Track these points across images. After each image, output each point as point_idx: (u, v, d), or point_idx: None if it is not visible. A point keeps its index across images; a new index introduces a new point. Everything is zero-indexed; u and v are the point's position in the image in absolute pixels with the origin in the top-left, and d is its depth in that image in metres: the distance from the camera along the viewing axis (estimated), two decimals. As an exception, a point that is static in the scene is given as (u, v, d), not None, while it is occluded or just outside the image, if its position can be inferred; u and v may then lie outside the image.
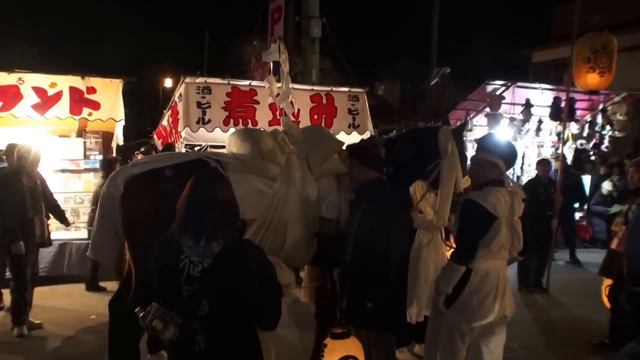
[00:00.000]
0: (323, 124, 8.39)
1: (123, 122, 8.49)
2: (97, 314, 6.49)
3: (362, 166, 3.83)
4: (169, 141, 8.72)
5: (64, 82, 8.11)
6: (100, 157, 8.76)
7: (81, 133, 8.80)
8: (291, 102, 8.13)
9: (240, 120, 8.00)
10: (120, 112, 8.39)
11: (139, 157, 7.72)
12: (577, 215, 10.52)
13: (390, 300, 3.65)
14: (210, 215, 2.60)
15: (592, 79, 8.43)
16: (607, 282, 5.90)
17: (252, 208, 4.00)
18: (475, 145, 4.05)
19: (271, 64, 5.32)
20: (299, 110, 8.27)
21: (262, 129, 5.94)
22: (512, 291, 7.83)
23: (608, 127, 12.03)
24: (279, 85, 5.13)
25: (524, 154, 12.41)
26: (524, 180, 11.18)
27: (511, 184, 3.72)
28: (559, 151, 9.18)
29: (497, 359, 3.73)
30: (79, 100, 8.11)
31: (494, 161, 3.60)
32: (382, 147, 4.06)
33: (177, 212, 2.65)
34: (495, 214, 3.46)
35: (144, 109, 22.26)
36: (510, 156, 3.73)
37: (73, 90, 8.11)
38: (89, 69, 8.77)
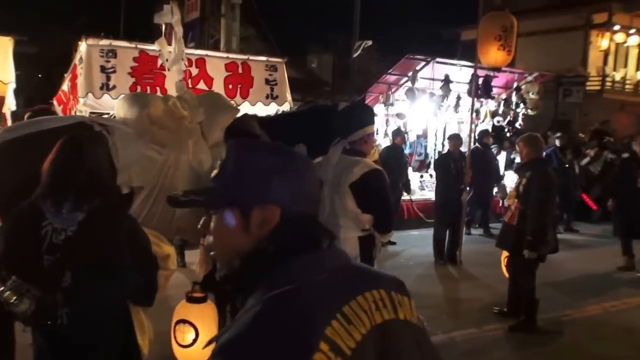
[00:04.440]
0: (238, 94, 8.15)
1: (14, 85, 7.85)
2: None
3: None
4: (68, 107, 8.18)
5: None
6: (-12, 124, 8.06)
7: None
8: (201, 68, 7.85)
9: (149, 87, 7.51)
10: (10, 74, 7.72)
11: None
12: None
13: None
14: (75, 180, 2.45)
15: (502, 56, 8.65)
16: (505, 253, 6.08)
17: (140, 175, 3.80)
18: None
19: (163, 25, 4.99)
20: (212, 78, 7.98)
21: (151, 94, 5.61)
22: (428, 264, 8.23)
23: (522, 105, 12.42)
24: (170, 49, 4.86)
25: (444, 129, 12.62)
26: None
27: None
28: (476, 127, 9.42)
29: None
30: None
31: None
32: (254, 122, 3.90)
33: (41, 176, 2.48)
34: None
35: (54, 74, 21.06)
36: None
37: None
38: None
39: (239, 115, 4.38)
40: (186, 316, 3.73)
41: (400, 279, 1.30)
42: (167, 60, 4.79)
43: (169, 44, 4.95)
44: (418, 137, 12.41)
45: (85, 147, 2.56)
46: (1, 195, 3.33)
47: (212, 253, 1.29)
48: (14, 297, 2.27)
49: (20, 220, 2.50)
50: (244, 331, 1.07)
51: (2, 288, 2.28)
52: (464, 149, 9.20)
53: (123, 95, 4.41)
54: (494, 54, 8.50)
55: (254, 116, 4.15)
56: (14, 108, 8.31)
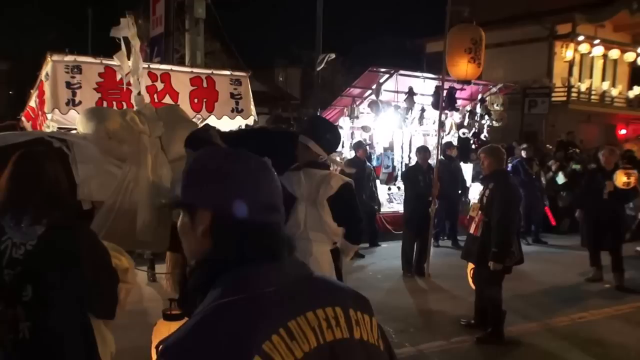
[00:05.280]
0: (204, 108, 8.10)
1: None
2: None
3: (193, 153, 3.67)
4: (38, 123, 8.08)
5: None
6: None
7: None
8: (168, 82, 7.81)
9: (115, 102, 7.45)
10: None
11: None
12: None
13: None
14: (33, 195, 2.47)
15: (472, 69, 8.70)
16: (471, 265, 6.09)
17: (100, 189, 3.84)
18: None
19: (122, 39, 4.96)
20: (177, 92, 7.93)
21: (109, 108, 5.59)
22: (396, 277, 8.24)
23: (487, 117, 12.57)
24: (130, 62, 4.84)
25: (410, 142, 12.72)
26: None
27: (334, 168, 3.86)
28: (442, 140, 9.50)
29: None
30: None
31: (306, 143, 3.68)
32: (215, 133, 3.86)
33: None
34: (294, 194, 3.61)
35: (24, 90, 20.81)
36: (325, 138, 3.75)
37: None
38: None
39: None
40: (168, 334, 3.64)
41: (364, 296, 1.27)
42: (126, 75, 4.76)
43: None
44: (385, 149, 12.44)
45: (40, 162, 2.59)
46: None
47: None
48: None
49: None
50: (184, 336, 1.08)
51: None
52: (431, 161, 9.28)
53: (82, 110, 4.35)
54: (464, 67, 8.56)
55: (215, 128, 4.12)
56: None
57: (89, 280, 2.47)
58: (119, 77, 5.20)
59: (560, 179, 12.14)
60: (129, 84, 5.05)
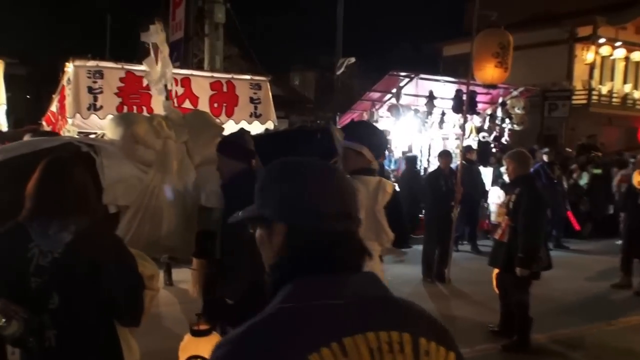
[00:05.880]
0: (223, 113, 8.14)
1: (5, 107, 7.86)
2: None
3: (226, 158, 3.70)
4: (57, 127, 8.17)
5: None
6: (-24, 144, 8.07)
7: (-42, 119, 8.09)
8: (187, 88, 7.85)
9: (135, 107, 7.57)
10: (0, 96, 7.74)
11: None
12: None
13: (251, 296, 3.35)
14: (60, 202, 2.44)
15: (498, 73, 8.65)
16: (496, 270, 5.99)
17: (126, 194, 3.84)
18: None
19: (150, 45, 5.00)
20: (197, 97, 7.96)
21: (138, 113, 5.63)
22: (416, 282, 8.15)
23: (507, 121, 12.45)
24: (159, 67, 4.87)
25: (429, 146, 12.63)
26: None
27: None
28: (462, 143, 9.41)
29: None
30: (-50, 81, 7.46)
31: (357, 149, 3.56)
32: (249, 138, 3.87)
33: (26, 197, 2.47)
34: None
35: (42, 95, 21.11)
36: (376, 143, 3.67)
37: (-57, 70, 7.43)
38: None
39: (224, 133, 4.39)
40: (196, 351, 3.52)
41: (446, 328, 1.20)
42: (154, 80, 4.78)
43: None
44: (403, 153, 12.40)
45: (69, 168, 2.57)
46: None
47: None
48: (3, 320, 2.24)
49: (5, 242, 2.48)
50: (235, 338, 1.09)
51: None
52: (452, 165, 9.19)
53: (111, 116, 4.36)
54: (490, 71, 8.48)
55: (249, 132, 4.11)
56: (5, 129, 8.34)
57: (116, 288, 2.45)
58: (145, 82, 5.24)
59: (584, 179, 11.96)
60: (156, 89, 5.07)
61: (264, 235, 1.27)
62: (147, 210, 3.91)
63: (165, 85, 4.72)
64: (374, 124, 11.23)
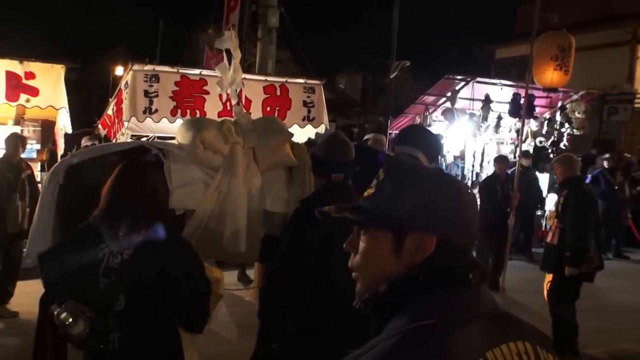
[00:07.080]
0: (276, 116, 8.13)
1: (67, 111, 8.08)
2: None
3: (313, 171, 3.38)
4: (113, 131, 8.37)
5: (0, 66, 7.67)
6: (38, 146, 8.37)
7: (19, 121, 8.32)
8: (239, 92, 7.93)
9: (189, 110, 7.75)
10: (61, 100, 8.04)
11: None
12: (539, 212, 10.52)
13: (301, 340, 2.96)
14: (132, 204, 2.47)
15: (558, 76, 8.45)
16: (549, 277, 5.84)
17: (193, 198, 3.91)
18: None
19: (224, 51, 5.11)
20: (250, 101, 8.00)
21: (209, 118, 5.70)
22: None
23: (567, 125, 12.07)
24: (230, 73, 4.94)
25: (483, 150, 12.35)
26: (483, 177, 11.10)
27: None
28: (518, 148, 9.16)
29: None
30: (15, 86, 7.70)
31: (413, 154, 3.36)
32: (338, 147, 3.21)
33: (101, 198, 2.52)
34: None
35: (92, 97, 21.69)
36: (432, 148, 3.51)
37: (10, 75, 7.68)
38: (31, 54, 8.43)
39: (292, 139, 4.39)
40: None
41: (547, 335, 1.20)
42: (225, 85, 4.85)
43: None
44: (455, 158, 12.20)
45: (144, 172, 2.63)
46: (71, 215, 3.40)
47: (354, 274, 1.24)
48: (70, 319, 2.26)
49: (78, 242, 2.52)
50: (382, 356, 1.04)
51: (58, 309, 2.28)
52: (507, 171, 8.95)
53: (182, 120, 4.55)
54: (549, 74, 8.35)
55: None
56: (70, 130, 8.59)
57: (183, 292, 2.44)
58: (218, 90, 5.33)
59: None
60: (228, 95, 5.17)
61: (381, 242, 1.19)
62: (213, 214, 3.95)
63: (236, 91, 4.78)
64: (428, 128, 11.10)
